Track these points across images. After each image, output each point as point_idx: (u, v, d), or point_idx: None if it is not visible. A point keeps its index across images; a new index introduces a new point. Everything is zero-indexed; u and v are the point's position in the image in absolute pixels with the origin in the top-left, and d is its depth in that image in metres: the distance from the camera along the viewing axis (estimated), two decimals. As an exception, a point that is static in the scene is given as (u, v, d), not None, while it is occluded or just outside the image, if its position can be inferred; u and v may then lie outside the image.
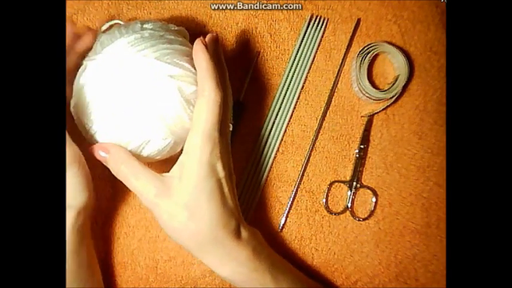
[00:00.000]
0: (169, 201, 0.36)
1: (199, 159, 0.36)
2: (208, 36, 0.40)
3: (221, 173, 0.37)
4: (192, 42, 0.39)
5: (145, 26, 0.39)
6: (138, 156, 0.38)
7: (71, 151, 0.36)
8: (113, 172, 0.38)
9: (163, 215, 0.37)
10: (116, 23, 0.43)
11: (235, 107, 0.45)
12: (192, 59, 0.38)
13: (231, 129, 0.40)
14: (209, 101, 0.36)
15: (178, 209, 0.36)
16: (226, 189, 0.38)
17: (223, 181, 0.37)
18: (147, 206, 0.38)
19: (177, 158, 0.38)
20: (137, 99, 0.36)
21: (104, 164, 0.38)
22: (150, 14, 0.48)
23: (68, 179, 0.36)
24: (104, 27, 0.43)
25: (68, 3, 0.48)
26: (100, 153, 0.38)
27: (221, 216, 0.37)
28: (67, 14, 0.47)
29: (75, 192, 0.37)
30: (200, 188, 0.36)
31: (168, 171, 0.38)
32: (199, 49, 0.37)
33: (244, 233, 0.39)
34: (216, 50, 0.40)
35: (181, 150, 0.39)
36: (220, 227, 0.37)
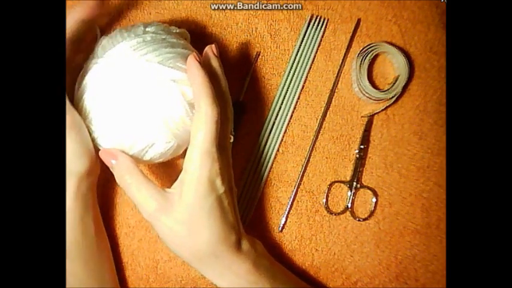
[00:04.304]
0: (169, 217, 0.36)
1: (198, 177, 0.36)
2: (206, 49, 0.39)
3: (221, 189, 0.37)
4: (193, 43, 0.39)
5: (148, 29, 0.39)
6: (140, 159, 0.38)
7: (70, 116, 0.36)
8: (116, 179, 0.38)
9: (163, 229, 0.37)
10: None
11: (235, 107, 0.44)
12: None
13: (232, 140, 0.39)
14: (206, 118, 0.35)
15: (178, 225, 0.36)
16: (226, 204, 0.37)
17: (223, 196, 0.37)
18: (146, 219, 0.37)
19: (177, 162, 0.38)
20: (140, 103, 0.36)
21: (110, 169, 0.38)
22: (150, 14, 0.48)
23: (67, 144, 0.36)
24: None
25: (68, 3, 0.47)
26: (108, 159, 0.38)
27: (221, 232, 0.37)
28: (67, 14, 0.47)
29: (75, 158, 0.37)
30: (200, 206, 0.36)
31: (169, 176, 0.38)
32: (193, 65, 0.36)
33: (244, 246, 0.39)
34: (214, 62, 0.39)
35: (183, 152, 0.38)
36: (220, 243, 0.37)
